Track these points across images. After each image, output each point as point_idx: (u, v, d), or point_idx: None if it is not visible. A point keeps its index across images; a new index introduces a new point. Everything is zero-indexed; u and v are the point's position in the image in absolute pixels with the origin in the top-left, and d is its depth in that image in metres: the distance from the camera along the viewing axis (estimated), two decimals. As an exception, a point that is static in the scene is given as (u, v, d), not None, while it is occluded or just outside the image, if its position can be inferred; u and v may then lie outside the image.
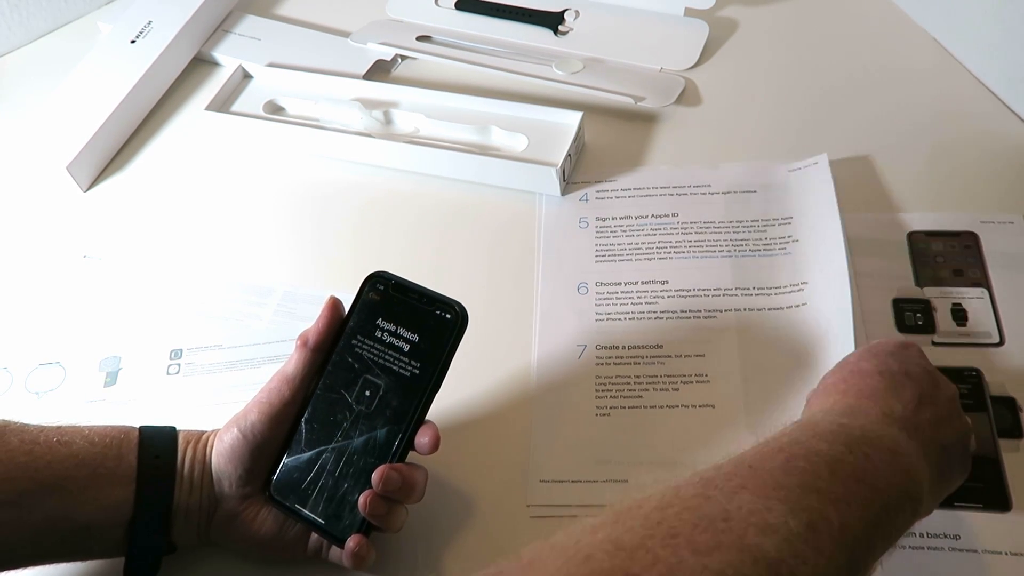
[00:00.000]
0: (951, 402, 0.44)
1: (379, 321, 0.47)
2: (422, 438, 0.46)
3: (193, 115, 0.80)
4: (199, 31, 0.84)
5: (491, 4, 0.84)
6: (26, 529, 0.43)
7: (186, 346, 0.62)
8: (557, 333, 0.60)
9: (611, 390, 0.56)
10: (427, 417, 0.46)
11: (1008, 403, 0.52)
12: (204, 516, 0.47)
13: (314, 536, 0.48)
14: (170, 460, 0.47)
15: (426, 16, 0.85)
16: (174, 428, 0.49)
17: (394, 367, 0.46)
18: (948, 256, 0.59)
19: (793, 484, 0.34)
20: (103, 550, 0.47)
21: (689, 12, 0.80)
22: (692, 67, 0.77)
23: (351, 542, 0.45)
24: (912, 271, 0.59)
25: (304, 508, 0.46)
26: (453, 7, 0.85)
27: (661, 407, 0.55)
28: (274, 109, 0.78)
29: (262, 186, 0.73)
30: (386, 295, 0.47)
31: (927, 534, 0.47)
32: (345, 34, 0.85)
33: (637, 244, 0.64)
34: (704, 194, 0.65)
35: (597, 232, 0.65)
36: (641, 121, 0.73)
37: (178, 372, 0.61)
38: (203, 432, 0.49)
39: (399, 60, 0.82)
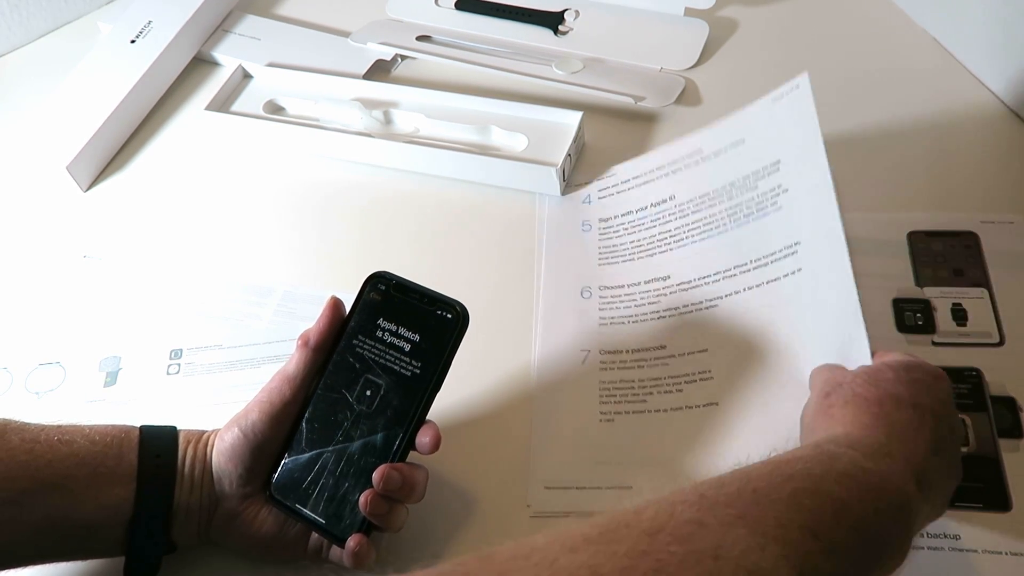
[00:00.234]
0: (957, 448, 0.44)
1: (380, 321, 0.47)
2: (423, 438, 0.46)
3: (193, 115, 0.80)
4: (199, 31, 0.85)
5: (491, 4, 0.84)
6: (26, 528, 0.43)
7: (186, 346, 0.62)
8: (559, 335, 0.59)
9: (615, 395, 0.56)
10: (428, 417, 0.46)
11: (1008, 403, 0.52)
12: (204, 515, 0.47)
13: (314, 536, 0.48)
14: (171, 459, 0.47)
15: (426, 16, 0.85)
16: (175, 427, 0.49)
17: (395, 367, 0.46)
18: (948, 256, 0.59)
19: (794, 524, 0.33)
20: (103, 549, 0.47)
21: (689, 12, 0.80)
22: (692, 67, 0.77)
23: (351, 542, 0.45)
24: (912, 271, 0.59)
25: (304, 508, 0.46)
26: (453, 7, 0.85)
27: (666, 410, 0.54)
28: (274, 109, 0.78)
29: (262, 186, 0.73)
30: (387, 295, 0.48)
31: (927, 534, 0.47)
32: (345, 34, 0.85)
33: (638, 241, 0.63)
34: (696, 162, 0.64)
35: (600, 234, 0.64)
36: (641, 121, 0.73)
37: (178, 372, 0.61)
38: (204, 431, 0.49)
39: (399, 60, 0.82)
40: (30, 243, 0.72)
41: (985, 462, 0.50)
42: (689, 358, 0.56)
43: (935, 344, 0.55)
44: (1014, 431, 0.51)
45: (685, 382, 0.55)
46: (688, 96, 0.75)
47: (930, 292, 0.58)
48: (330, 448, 0.46)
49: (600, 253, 0.63)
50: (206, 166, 0.76)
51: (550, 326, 0.60)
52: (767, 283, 0.57)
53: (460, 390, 0.55)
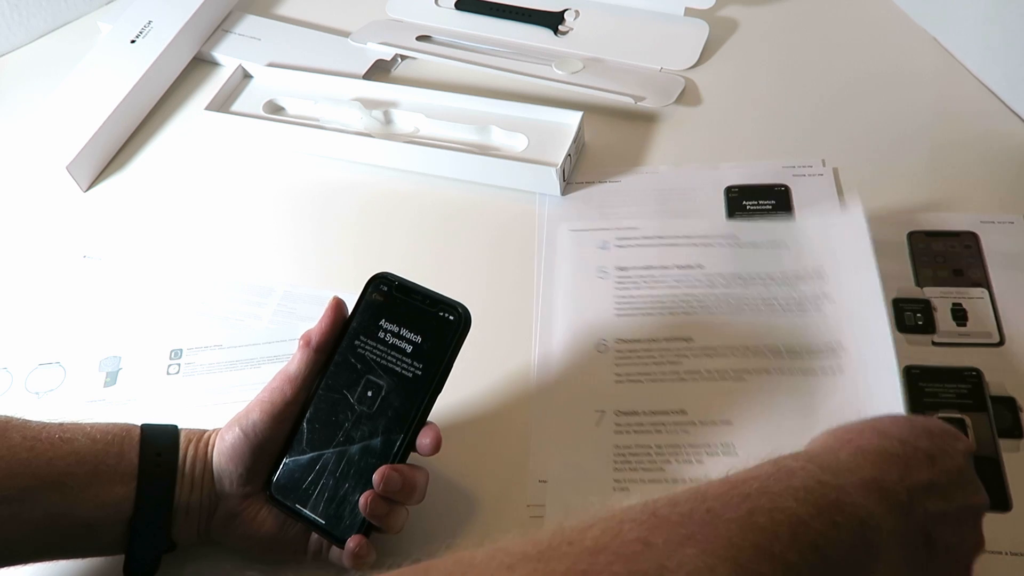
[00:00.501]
0: (971, 512, 0.40)
1: (382, 322, 0.47)
2: (424, 439, 0.46)
3: (193, 115, 0.80)
4: (199, 31, 0.85)
5: (491, 4, 0.84)
6: (27, 525, 0.43)
7: (186, 346, 0.62)
8: (572, 390, 0.56)
9: (630, 462, 0.52)
10: (428, 419, 0.46)
11: (1008, 403, 0.52)
12: (204, 515, 0.47)
13: (314, 536, 0.48)
14: (171, 458, 0.47)
15: (426, 16, 0.85)
16: (176, 426, 0.49)
17: (396, 368, 0.46)
18: (948, 256, 0.59)
19: (748, 544, 0.32)
20: (103, 547, 0.47)
21: (689, 12, 0.80)
22: (692, 67, 0.77)
23: (351, 542, 0.45)
24: (912, 271, 0.59)
25: (305, 508, 0.46)
26: (453, 7, 0.85)
27: (685, 481, 0.51)
28: (274, 109, 0.78)
29: (262, 186, 0.73)
30: (389, 296, 0.47)
31: (927, 534, 0.47)
32: (345, 34, 0.85)
33: (660, 297, 0.59)
34: (731, 244, 0.61)
35: (617, 283, 0.61)
36: (641, 121, 0.73)
37: (178, 372, 0.61)
38: (205, 430, 0.49)
39: (399, 60, 0.82)
40: (30, 243, 0.72)
41: (985, 462, 0.50)
42: (712, 428, 0.53)
43: (935, 344, 0.55)
44: (1014, 431, 0.51)
45: (706, 454, 0.52)
46: (688, 96, 0.75)
47: (930, 292, 0.58)
48: (331, 449, 0.46)
49: (617, 303, 0.60)
50: (206, 166, 0.76)
51: (563, 378, 0.57)
52: (803, 373, 0.54)
53: (460, 391, 0.55)
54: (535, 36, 0.82)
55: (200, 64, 0.85)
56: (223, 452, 0.47)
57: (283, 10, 0.90)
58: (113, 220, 0.73)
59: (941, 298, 0.57)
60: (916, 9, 0.77)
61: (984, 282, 0.58)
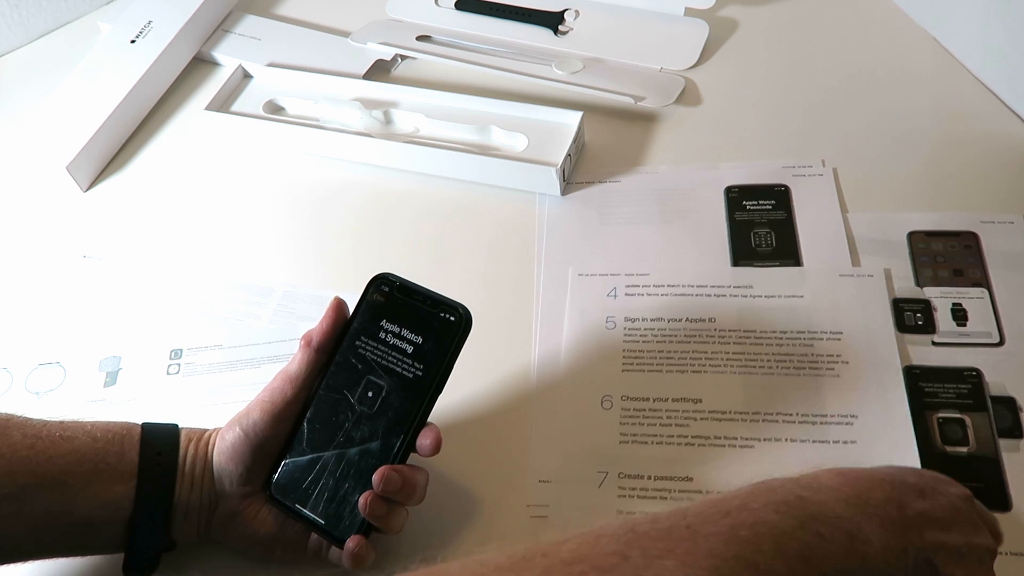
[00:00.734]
0: (977, 552, 0.39)
1: (383, 322, 0.47)
2: (423, 440, 0.46)
3: (193, 115, 0.80)
4: (199, 31, 0.85)
5: (491, 4, 0.84)
6: (27, 523, 0.43)
7: (186, 346, 0.62)
8: (575, 449, 0.54)
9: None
10: (429, 419, 0.46)
11: (1008, 403, 0.52)
12: (204, 514, 0.47)
13: (314, 536, 0.48)
14: (172, 457, 0.47)
15: (426, 16, 0.85)
16: (176, 425, 0.49)
17: (397, 368, 0.46)
18: (948, 256, 0.59)
19: (729, 555, 0.31)
20: (103, 546, 0.47)
21: (689, 12, 0.80)
22: (692, 67, 0.77)
23: (351, 543, 0.45)
24: (912, 271, 0.59)
25: (304, 508, 0.46)
26: (453, 7, 0.85)
27: None
28: (274, 109, 0.78)
29: (262, 186, 0.73)
30: (391, 296, 0.47)
31: (927, 534, 0.47)
32: (345, 34, 0.85)
33: (668, 352, 0.57)
34: (745, 296, 0.59)
35: (625, 335, 0.59)
36: (641, 121, 0.73)
37: (178, 372, 0.61)
38: (205, 430, 0.49)
39: (399, 60, 0.82)
40: (30, 243, 0.72)
41: (985, 462, 0.50)
42: None
43: (935, 344, 0.55)
44: (1014, 431, 0.51)
45: None
46: (688, 96, 0.75)
47: (930, 292, 0.58)
48: (331, 449, 0.46)
49: (624, 358, 0.58)
50: (206, 166, 0.76)
51: (566, 437, 0.55)
52: (814, 442, 0.52)
53: (460, 391, 0.55)
54: (535, 36, 0.82)
55: (200, 64, 0.85)
56: (223, 451, 0.47)
57: (283, 10, 0.90)
58: (113, 220, 0.73)
59: (941, 298, 0.57)
60: (916, 9, 0.77)
61: (984, 282, 0.58)
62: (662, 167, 0.69)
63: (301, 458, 0.47)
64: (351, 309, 0.48)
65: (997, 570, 0.46)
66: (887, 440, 0.51)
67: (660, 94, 0.73)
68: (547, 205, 0.68)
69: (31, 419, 0.46)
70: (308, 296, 0.64)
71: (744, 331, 0.58)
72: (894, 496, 0.38)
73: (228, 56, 0.83)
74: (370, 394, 0.46)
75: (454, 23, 0.84)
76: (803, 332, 0.57)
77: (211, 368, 0.61)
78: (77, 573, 0.49)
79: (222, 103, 0.77)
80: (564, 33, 0.82)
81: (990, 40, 0.69)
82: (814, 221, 0.63)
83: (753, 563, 0.31)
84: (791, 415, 0.53)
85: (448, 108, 0.73)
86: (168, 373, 0.61)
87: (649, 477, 0.52)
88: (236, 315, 0.64)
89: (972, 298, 0.57)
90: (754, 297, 0.60)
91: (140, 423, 0.48)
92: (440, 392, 0.46)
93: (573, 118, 0.70)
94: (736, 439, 0.53)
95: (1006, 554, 0.47)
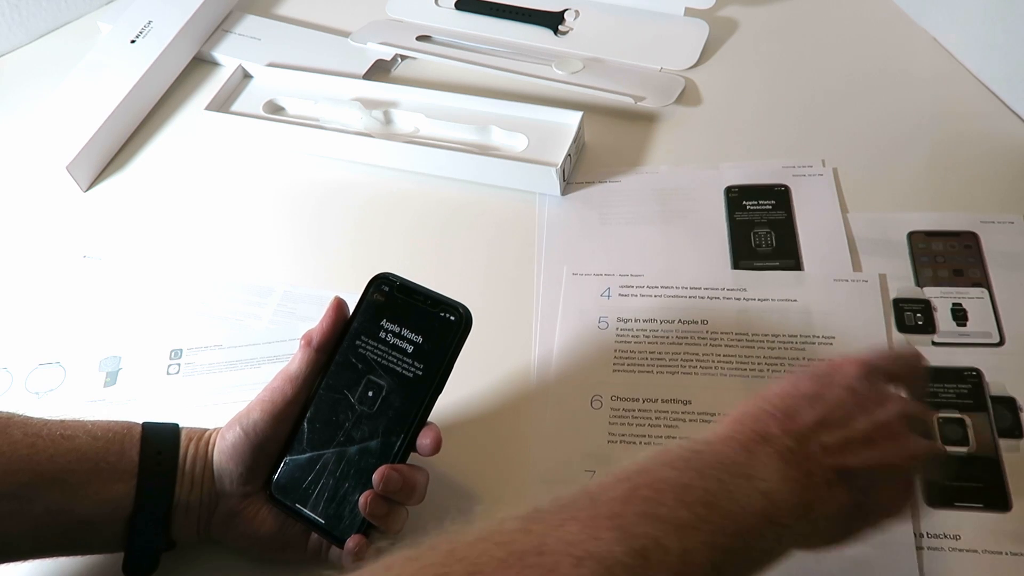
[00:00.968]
0: (882, 424, 0.39)
1: (383, 322, 0.47)
2: (424, 440, 0.46)
3: (193, 115, 0.80)
4: (199, 31, 0.85)
5: (491, 4, 0.84)
6: (27, 522, 0.43)
7: (186, 346, 0.62)
8: (561, 448, 0.54)
9: None
10: (429, 419, 0.46)
11: (1008, 403, 0.52)
12: (204, 513, 0.47)
13: (314, 536, 0.48)
14: (172, 456, 0.47)
15: (426, 16, 0.85)
16: (176, 425, 0.49)
17: (397, 368, 0.46)
18: (948, 256, 0.59)
19: (630, 512, 0.32)
20: (103, 545, 0.47)
21: (689, 12, 0.80)
22: (692, 67, 0.77)
23: (351, 542, 0.45)
24: (912, 271, 0.59)
25: (304, 508, 0.46)
26: (453, 7, 0.85)
27: None
28: (274, 109, 0.78)
29: (262, 186, 0.73)
30: (391, 296, 0.47)
31: (927, 534, 0.48)
32: (345, 34, 0.85)
33: (659, 354, 0.57)
34: (738, 299, 0.59)
35: (617, 336, 0.59)
36: (641, 121, 0.73)
37: (178, 372, 0.61)
38: (206, 429, 0.49)
39: (399, 60, 0.82)
40: (30, 243, 0.72)
41: (985, 462, 0.50)
42: None
43: (935, 344, 0.55)
44: (1014, 431, 0.51)
45: None
46: (688, 96, 0.75)
47: (930, 292, 0.58)
48: (331, 448, 0.46)
49: (616, 358, 0.58)
50: (206, 166, 0.76)
51: (553, 435, 0.55)
52: None
53: (460, 391, 0.55)
54: (535, 36, 0.82)
55: (200, 64, 0.85)
56: (223, 451, 0.47)
57: (283, 10, 0.90)
58: (113, 220, 0.73)
59: (941, 298, 0.57)
60: (916, 9, 0.77)
61: (984, 282, 0.58)
62: (662, 167, 0.69)
63: (301, 458, 0.47)
64: (351, 309, 0.48)
65: (997, 570, 0.46)
66: None
67: (660, 94, 0.73)
68: (547, 205, 0.68)
69: (31, 418, 0.46)
70: (308, 296, 0.64)
71: (736, 334, 0.58)
72: (787, 424, 0.38)
73: (228, 56, 0.83)
74: (370, 394, 0.46)
75: (454, 23, 0.84)
76: (796, 336, 0.57)
77: (211, 368, 0.61)
78: (77, 573, 0.49)
79: (222, 103, 0.77)
80: (564, 33, 0.82)
81: (990, 40, 0.69)
82: (814, 221, 0.63)
83: (656, 515, 0.32)
84: None
85: (448, 108, 0.73)
86: (168, 373, 0.61)
87: None
88: (236, 315, 0.64)
89: (972, 298, 0.57)
90: (747, 300, 0.59)
91: (140, 422, 0.48)
92: (440, 392, 0.46)
93: (573, 118, 0.70)
94: None
95: (1006, 554, 0.47)
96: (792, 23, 0.81)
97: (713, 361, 0.57)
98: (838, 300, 0.58)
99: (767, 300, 0.59)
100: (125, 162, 0.78)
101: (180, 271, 0.68)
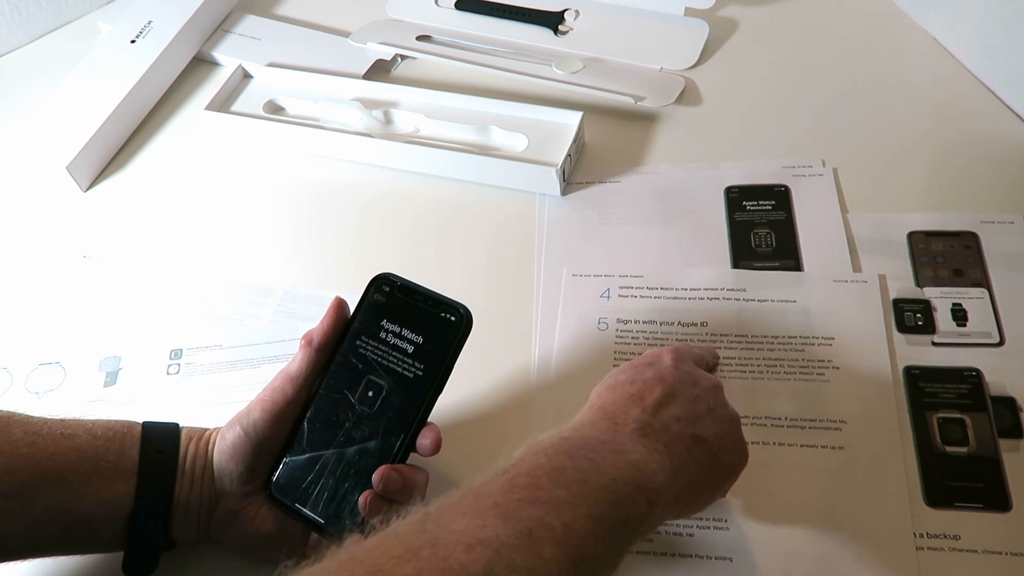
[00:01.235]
0: (710, 395, 0.45)
1: (384, 322, 0.47)
2: (424, 440, 0.46)
3: (193, 115, 0.81)
4: (199, 31, 0.85)
5: (491, 4, 0.84)
6: (27, 520, 0.43)
7: (186, 346, 0.62)
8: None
9: None
10: (429, 419, 0.46)
11: (1008, 403, 0.52)
12: (204, 513, 0.47)
13: (314, 536, 0.48)
14: (172, 456, 0.47)
15: (426, 16, 0.86)
16: (177, 424, 0.49)
17: (397, 368, 0.46)
18: (948, 256, 0.59)
19: (512, 500, 0.35)
20: (102, 544, 0.47)
21: (689, 12, 0.80)
22: (692, 67, 0.77)
23: (351, 542, 0.45)
24: (912, 271, 0.59)
25: (304, 507, 0.46)
26: (453, 7, 0.85)
27: (673, 555, 0.49)
28: (274, 109, 0.78)
29: (262, 186, 0.73)
30: (391, 296, 0.47)
31: (927, 534, 0.48)
32: (345, 34, 0.85)
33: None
34: (736, 300, 0.59)
35: (617, 337, 0.59)
36: (641, 121, 0.73)
37: (178, 372, 0.61)
38: (206, 429, 0.49)
39: (399, 60, 0.82)
40: (30, 243, 0.72)
41: (985, 462, 0.50)
42: None
43: (935, 344, 0.55)
44: (1014, 431, 0.51)
45: (698, 527, 0.50)
46: (688, 96, 0.75)
47: (930, 292, 0.58)
48: (331, 448, 0.46)
49: (615, 359, 0.58)
50: (206, 166, 0.76)
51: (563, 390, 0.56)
52: (802, 446, 0.52)
53: (460, 391, 0.55)
54: (535, 36, 0.82)
55: (200, 64, 0.85)
56: (224, 451, 0.47)
57: (283, 10, 0.90)
58: (113, 220, 0.73)
59: (941, 298, 0.57)
60: (916, 9, 0.77)
61: (984, 282, 0.58)
62: (662, 167, 0.69)
63: (301, 457, 0.47)
64: (352, 309, 0.48)
65: (997, 570, 0.46)
66: (875, 446, 0.51)
67: (660, 94, 0.73)
68: (547, 205, 0.68)
69: (32, 417, 0.46)
70: (308, 296, 0.64)
71: (735, 335, 0.58)
72: (643, 402, 0.43)
73: (228, 56, 0.83)
74: (370, 394, 0.46)
75: (454, 23, 0.84)
76: (795, 337, 0.57)
77: (211, 368, 0.61)
78: (77, 572, 0.49)
79: (222, 103, 0.77)
80: (564, 33, 0.82)
81: (990, 40, 0.69)
82: (814, 221, 0.63)
83: (535, 498, 0.35)
84: (779, 419, 0.53)
85: (448, 108, 0.73)
86: (168, 373, 0.61)
87: None
88: (236, 315, 0.64)
89: (972, 298, 0.57)
90: (747, 301, 0.59)
91: (141, 422, 0.48)
92: (440, 392, 0.46)
93: (573, 118, 0.70)
94: None
95: (1006, 554, 0.47)
96: (792, 23, 0.81)
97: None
98: (838, 301, 0.58)
99: (767, 301, 0.59)
100: (125, 162, 0.78)
101: (180, 271, 0.68)
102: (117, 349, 0.63)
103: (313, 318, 0.48)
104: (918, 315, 0.57)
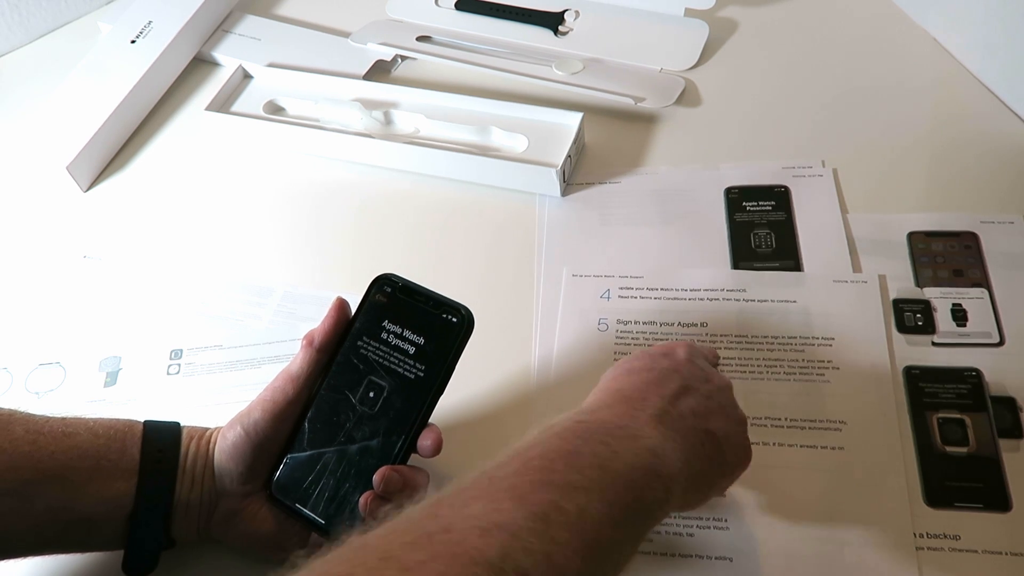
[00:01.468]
0: (722, 393, 0.45)
1: (385, 323, 0.47)
2: (425, 441, 0.46)
3: (193, 115, 0.81)
4: (199, 31, 0.85)
5: (491, 4, 0.84)
6: (28, 519, 0.43)
7: (186, 346, 0.62)
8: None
9: None
10: (430, 420, 0.46)
11: (1008, 403, 0.52)
12: (204, 512, 0.47)
13: (314, 536, 0.48)
14: (173, 455, 0.47)
15: (426, 16, 0.86)
16: (178, 423, 0.49)
17: (399, 369, 0.46)
18: (948, 256, 0.59)
19: (526, 483, 0.35)
20: (103, 542, 0.47)
21: (689, 12, 0.80)
22: (692, 67, 0.77)
23: (351, 542, 0.45)
24: (912, 271, 0.59)
25: (305, 508, 0.46)
26: (453, 7, 0.85)
27: (673, 555, 0.49)
28: (274, 109, 0.78)
29: (262, 186, 0.73)
30: (393, 297, 0.47)
31: (927, 534, 0.48)
32: (345, 34, 0.85)
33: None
34: (737, 300, 0.59)
35: (617, 338, 0.59)
36: (641, 122, 0.73)
37: (178, 372, 0.61)
38: (207, 428, 0.49)
39: (399, 60, 0.82)
40: (30, 243, 0.72)
41: (985, 462, 0.50)
42: None
43: (935, 344, 0.55)
44: (1014, 431, 0.51)
45: (697, 527, 0.50)
46: (688, 97, 0.75)
47: (930, 292, 0.58)
48: (331, 449, 0.46)
49: (615, 360, 0.53)
50: (206, 166, 0.76)
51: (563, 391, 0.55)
52: (802, 447, 0.52)
53: (460, 392, 0.55)
54: (535, 36, 0.82)
55: (200, 64, 0.85)
56: (224, 450, 0.47)
57: (283, 10, 0.90)
58: (113, 220, 0.73)
59: (941, 298, 0.57)
60: (916, 9, 0.77)
61: (984, 282, 0.58)
62: (662, 168, 0.69)
63: (302, 458, 0.47)
64: (353, 310, 0.48)
65: (997, 570, 0.46)
66: (875, 446, 0.51)
67: (660, 95, 0.74)
68: (547, 206, 0.68)
69: (33, 415, 0.46)
70: (308, 296, 0.64)
71: (735, 336, 0.58)
72: (661, 391, 0.43)
73: (228, 56, 0.83)
74: (371, 394, 0.46)
75: (454, 23, 0.84)
76: (795, 337, 0.57)
77: (211, 368, 0.61)
78: (77, 571, 0.49)
79: (222, 103, 0.77)
80: (564, 33, 0.82)
81: (990, 40, 0.69)
82: (814, 222, 0.63)
83: (550, 482, 0.35)
84: (780, 420, 0.53)
85: (448, 109, 0.73)
86: (168, 373, 0.61)
87: None
88: (236, 315, 0.64)
89: (972, 298, 0.57)
90: (747, 301, 0.59)
91: (142, 421, 0.48)
92: (442, 393, 0.46)
93: (573, 119, 0.70)
94: None
95: (1006, 554, 0.47)
96: (792, 23, 0.81)
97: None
98: (838, 301, 0.58)
99: (767, 301, 0.59)
100: (125, 162, 0.77)
101: (180, 271, 0.68)
102: (117, 349, 0.63)
103: (313, 318, 0.48)
104: (918, 315, 0.57)
